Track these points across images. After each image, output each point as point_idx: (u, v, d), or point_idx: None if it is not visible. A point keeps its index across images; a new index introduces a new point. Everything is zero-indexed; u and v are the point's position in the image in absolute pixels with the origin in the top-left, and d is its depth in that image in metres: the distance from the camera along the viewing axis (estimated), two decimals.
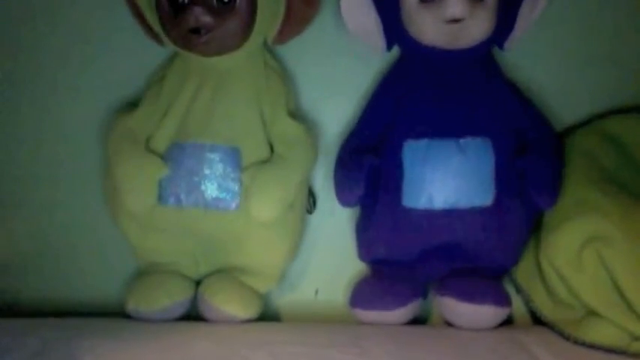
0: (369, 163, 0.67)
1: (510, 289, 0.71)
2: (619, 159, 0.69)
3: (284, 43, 0.69)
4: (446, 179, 0.65)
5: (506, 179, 0.66)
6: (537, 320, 0.71)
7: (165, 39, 0.66)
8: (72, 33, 0.73)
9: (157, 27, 0.66)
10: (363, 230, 0.71)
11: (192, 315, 0.71)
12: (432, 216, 0.66)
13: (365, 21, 0.67)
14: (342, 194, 0.69)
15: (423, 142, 0.66)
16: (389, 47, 0.69)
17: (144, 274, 0.72)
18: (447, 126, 0.66)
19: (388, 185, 0.67)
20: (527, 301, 0.71)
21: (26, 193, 0.75)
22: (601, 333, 0.64)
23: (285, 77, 0.71)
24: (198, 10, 0.61)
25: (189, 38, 0.63)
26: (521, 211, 0.67)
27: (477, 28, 0.65)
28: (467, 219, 0.66)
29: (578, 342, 0.65)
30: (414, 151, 0.66)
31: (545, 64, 0.73)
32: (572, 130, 0.74)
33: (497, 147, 0.66)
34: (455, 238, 0.67)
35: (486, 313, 0.67)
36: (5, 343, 0.62)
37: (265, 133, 0.68)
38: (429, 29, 0.65)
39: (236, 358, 0.60)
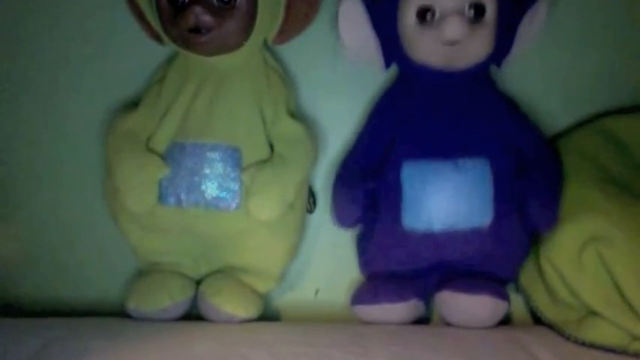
0: (366, 187, 0.67)
1: (510, 289, 0.71)
2: (619, 159, 0.69)
3: (284, 43, 0.69)
4: (444, 200, 0.65)
5: (505, 199, 0.66)
6: (537, 320, 0.71)
7: (165, 38, 0.66)
8: (72, 33, 0.73)
9: (157, 26, 0.66)
10: (364, 247, 0.71)
11: (193, 315, 0.71)
12: (431, 237, 0.66)
13: (363, 39, 0.68)
14: (340, 216, 0.69)
15: (422, 163, 0.66)
16: (387, 65, 0.70)
17: (144, 274, 0.72)
18: (445, 147, 0.66)
19: (388, 205, 0.67)
20: (528, 301, 0.71)
21: (27, 193, 0.75)
22: (601, 333, 0.64)
23: (285, 77, 0.71)
24: (198, 10, 0.61)
25: (190, 38, 0.63)
26: (520, 228, 0.67)
27: (475, 50, 0.65)
28: (466, 239, 0.66)
29: (578, 342, 0.65)
30: (412, 172, 0.66)
31: (544, 63, 0.73)
32: (572, 130, 0.74)
33: (496, 167, 0.66)
34: (454, 256, 0.68)
35: (484, 304, 0.67)
36: (5, 343, 0.62)
37: (265, 132, 0.68)
38: (427, 50, 0.66)
39: (236, 358, 0.60)
